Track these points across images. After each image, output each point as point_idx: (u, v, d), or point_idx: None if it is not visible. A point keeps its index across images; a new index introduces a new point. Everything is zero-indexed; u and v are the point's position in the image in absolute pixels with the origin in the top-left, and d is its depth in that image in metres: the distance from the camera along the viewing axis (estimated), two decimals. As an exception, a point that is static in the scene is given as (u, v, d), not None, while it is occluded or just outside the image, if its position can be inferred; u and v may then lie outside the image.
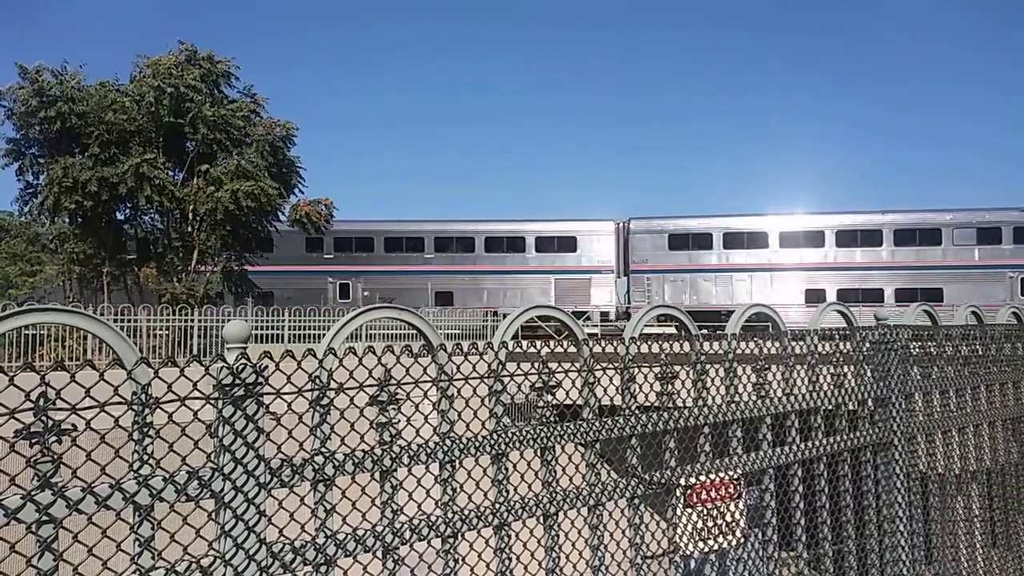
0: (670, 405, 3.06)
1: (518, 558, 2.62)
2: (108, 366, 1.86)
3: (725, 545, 3.04)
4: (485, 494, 2.56)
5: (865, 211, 33.82)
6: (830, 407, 3.63)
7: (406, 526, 2.34)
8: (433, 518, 2.40)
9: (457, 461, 2.49)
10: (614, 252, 34.11)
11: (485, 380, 2.62)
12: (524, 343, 2.75)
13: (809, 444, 3.52)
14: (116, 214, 22.78)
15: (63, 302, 20.03)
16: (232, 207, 21.50)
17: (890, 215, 32.82)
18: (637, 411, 2.94)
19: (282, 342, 19.11)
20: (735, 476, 3.09)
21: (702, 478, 3.00)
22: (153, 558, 1.90)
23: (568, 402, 2.86)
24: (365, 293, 33.78)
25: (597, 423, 2.82)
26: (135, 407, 1.91)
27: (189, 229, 22.68)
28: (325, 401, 2.25)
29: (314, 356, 2.25)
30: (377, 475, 2.34)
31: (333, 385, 2.25)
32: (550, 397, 2.79)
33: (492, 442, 2.56)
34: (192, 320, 17.78)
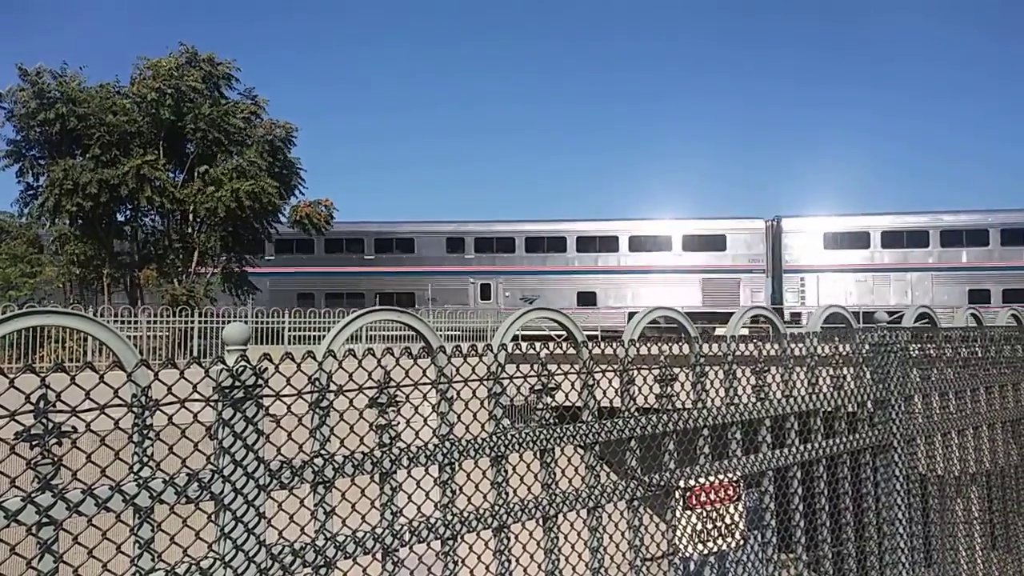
0: (669, 407, 3.06)
1: (517, 560, 2.63)
2: (108, 368, 1.86)
3: (724, 547, 3.04)
4: (484, 496, 2.56)
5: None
6: (829, 409, 3.64)
7: (405, 528, 2.34)
8: (432, 520, 2.40)
9: (456, 463, 2.49)
10: (764, 251, 33.08)
11: (484, 382, 2.62)
12: (524, 345, 2.76)
13: (808, 446, 3.52)
14: (116, 216, 22.79)
15: (63, 304, 20.06)
16: (233, 206, 21.51)
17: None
18: (636, 413, 2.95)
19: (282, 343, 19.11)
20: (734, 478, 3.10)
21: (701, 480, 3.00)
22: (153, 560, 1.91)
23: (568, 404, 2.87)
24: (506, 294, 33.37)
25: (596, 425, 2.82)
26: (135, 409, 1.91)
27: (189, 230, 22.69)
28: (324, 403, 2.25)
29: (313, 358, 2.25)
30: (376, 477, 2.34)
31: (332, 387, 2.26)
32: (549, 399, 2.79)
33: (491, 444, 2.56)
34: (192, 322, 17.78)
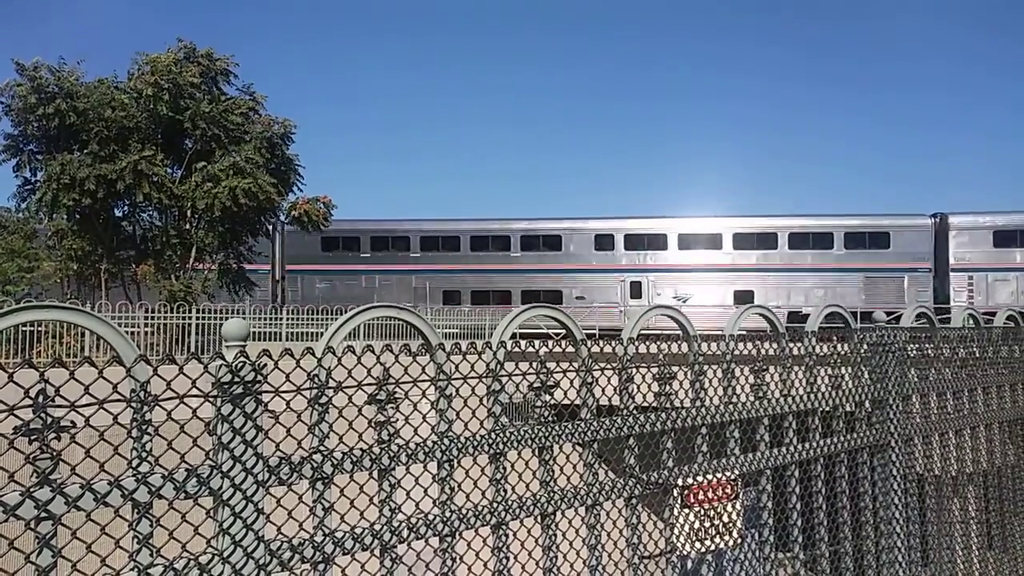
0: (668, 405, 3.07)
1: (516, 557, 2.63)
2: (107, 363, 1.86)
3: (722, 545, 3.04)
4: (483, 493, 2.57)
5: None
6: (827, 409, 3.64)
7: (404, 525, 2.34)
8: (431, 517, 2.40)
9: (455, 460, 2.50)
10: (929, 249, 31.53)
11: (484, 380, 2.62)
12: (523, 343, 2.76)
13: (806, 445, 3.52)
14: (114, 211, 22.73)
15: (61, 299, 20.02)
16: (230, 204, 21.48)
17: None
18: (635, 411, 2.95)
19: (280, 340, 19.11)
20: (732, 477, 3.10)
21: (699, 478, 3.00)
22: (151, 555, 1.91)
23: (566, 402, 2.87)
24: (658, 293, 32.03)
25: (595, 423, 2.83)
26: (134, 404, 1.91)
27: (187, 226, 22.65)
28: (323, 399, 2.25)
29: (313, 355, 2.25)
30: (375, 474, 2.34)
31: (332, 384, 2.26)
32: (548, 397, 2.79)
33: (490, 441, 2.56)
34: (190, 318, 17.77)
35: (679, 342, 3.19)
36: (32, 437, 1.76)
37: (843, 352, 3.83)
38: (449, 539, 2.45)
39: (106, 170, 20.49)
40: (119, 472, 1.86)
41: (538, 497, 2.67)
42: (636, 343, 3.01)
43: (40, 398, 1.76)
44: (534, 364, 2.76)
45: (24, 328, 14.59)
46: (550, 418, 2.76)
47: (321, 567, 2.18)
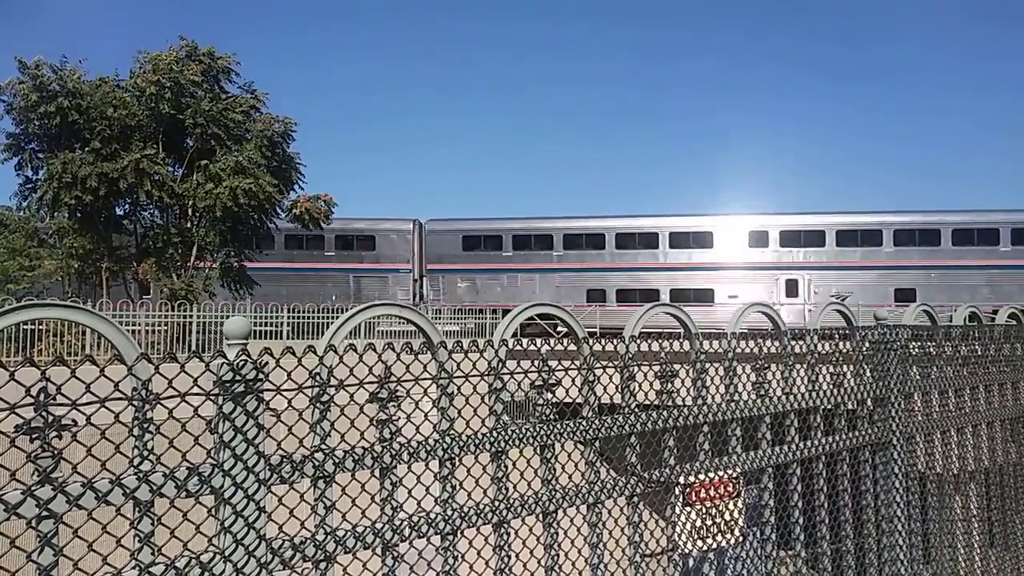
0: (670, 404, 3.06)
1: (517, 555, 2.63)
2: (108, 362, 1.86)
3: (724, 544, 3.04)
4: (485, 491, 2.56)
5: None
6: (829, 407, 3.64)
7: (406, 523, 2.34)
8: (433, 515, 2.40)
9: (457, 458, 2.49)
10: None
11: (485, 378, 2.62)
12: (524, 341, 2.75)
13: (808, 443, 3.52)
14: (115, 209, 22.74)
15: (62, 297, 20.02)
16: (230, 203, 21.48)
17: None
18: (636, 409, 2.95)
19: (282, 338, 19.12)
20: (734, 475, 3.10)
21: (701, 476, 3.00)
22: (153, 554, 1.91)
23: (568, 400, 2.87)
24: (815, 291, 31.11)
25: (597, 421, 2.82)
26: (135, 403, 1.91)
27: (188, 225, 22.65)
28: (325, 398, 2.25)
29: (314, 353, 2.25)
30: (377, 472, 2.34)
31: (333, 382, 2.25)
32: (550, 395, 2.79)
33: (492, 440, 2.56)
34: (191, 316, 17.77)
35: (681, 340, 3.19)
36: (33, 435, 1.76)
37: (845, 350, 3.83)
38: (451, 537, 2.45)
39: (108, 168, 20.49)
40: (120, 471, 1.86)
41: (540, 495, 2.67)
42: (638, 341, 3.01)
43: (41, 396, 1.76)
44: (535, 362, 2.76)
45: (25, 327, 14.60)
46: (551, 416, 2.75)
47: (323, 566, 2.18)
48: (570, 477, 2.77)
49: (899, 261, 31.26)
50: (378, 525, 2.29)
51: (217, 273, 23.33)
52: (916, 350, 4.11)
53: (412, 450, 2.38)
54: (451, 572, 2.46)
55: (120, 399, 1.83)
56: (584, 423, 2.81)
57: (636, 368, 3.00)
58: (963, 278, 30.38)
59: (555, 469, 2.74)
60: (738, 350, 3.34)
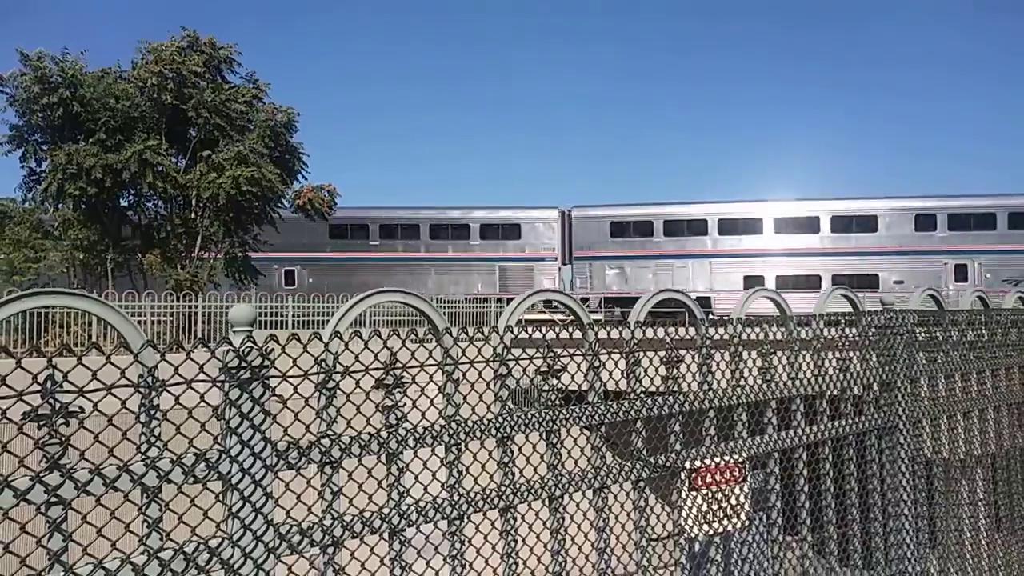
0: (675, 389, 3.06)
1: (524, 540, 2.64)
2: (114, 349, 1.86)
3: (730, 528, 3.04)
4: (491, 477, 2.57)
5: None
6: (835, 392, 3.63)
7: (412, 508, 2.35)
8: (439, 500, 2.41)
9: (463, 444, 2.50)
10: None
11: (491, 364, 2.62)
12: (529, 329, 2.75)
13: (814, 428, 3.52)
14: (120, 200, 22.77)
15: (67, 288, 20.04)
16: (234, 192, 21.50)
17: None
18: (643, 395, 2.94)
19: (286, 328, 19.15)
20: (740, 459, 3.10)
21: (707, 461, 3.00)
22: (161, 539, 1.91)
23: (574, 388, 2.87)
24: (987, 275, 29.59)
25: (602, 406, 2.82)
26: (142, 390, 1.91)
27: (192, 215, 22.68)
28: (331, 384, 2.25)
29: (320, 340, 2.25)
30: (383, 458, 2.35)
31: (339, 368, 2.25)
32: (555, 381, 2.79)
33: (498, 425, 2.56)
34: (196, 306, 17.82)
35: (686, 325, 3.18)
36: (41, 423, 1.77)
37: (851, 336, 3.82)
38: (458, 522, 2.45)
39: (111, 159, 20.51)
40: (128, 457, 1.86)
41: (546, 480, 2.67)
42: (643, 326, 3.00)
43: (48, 384, 1.76)
44: (541, 348, 2.76)
45: (31, 318, 14.67)
46: (557, 402, 2.75)
47: (330, 550, 2.19)
48: (576, 462, 2.77)
49: None
50: (385, 510, 2.30)
51: (222, 263, 23.36)
52: (922, 335, 4.10)
53: (418, 436, 2.38)
54: (458, 557, 2.47)
55: (127, 386, 1.83)
56: (590, 408, 2.80)
57: (642, 354, 2.99)
58: None
59: (561, 454, 2.75)
60: (744, 337, 3.33)
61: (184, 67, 21.62)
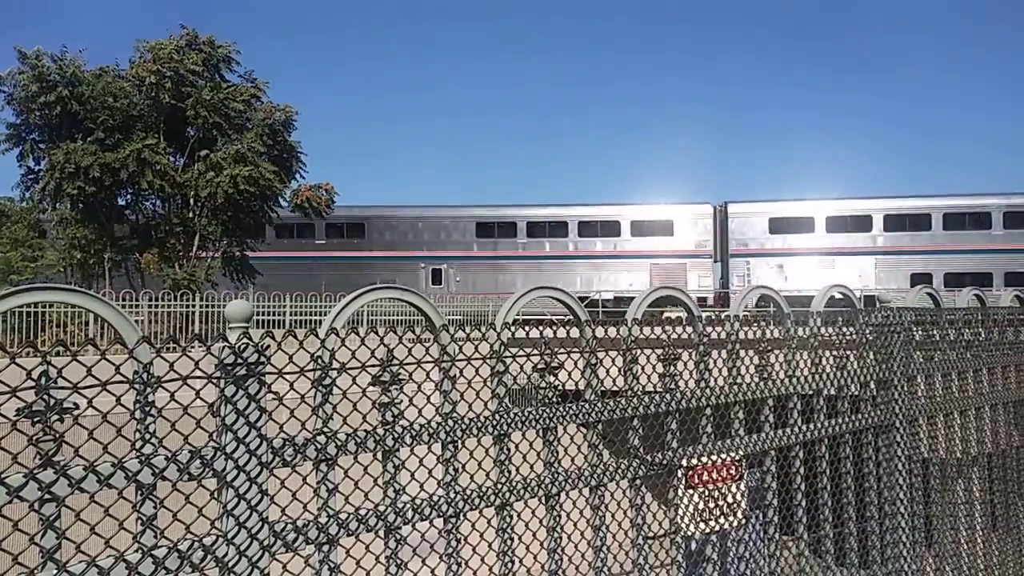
0: (672, 387, 3.06)
1: (520, 538, 2.63)
2: (109, 345, 1.85)
3: (726, 526, 3.04)
4: (487, 474, 2.56)
5: None
6: (832, 391, 3.63)
7: (408, 506, 2.34)
8: (435, 498, 2.40)
9: (459, 441, 2.49)
10: None
11: (488, 361, 2.61)
12: (526, 327, 2.75)
13: (811, 426, 3.52)
14: (117, 199, 22.73)
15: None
16: (232, 191, 21.47)
17: None
18: (639, 393, 2.94)
19: (283, 327, 19.14)
20: (737, 457, 3.09)
21: (704, 459, 3.00)
22: (156, 536, 1.91)
23: (571, 386, 2.86)
24: None
25: (599, 404, 2.82)
26: (137, 386, 1.91)
27: (190, 214, 22.65)
28: (327, 381, 2.25)
29: (316, 336, 2.24)
30: (379, 455, 2.34)
31: (335, 365, 2.25)
32: (552, 378, 2.79)
33: (494, 423, 2.55)
34: (194, 305, 17.79)
35: (684, 324, 3.18)
36: (35, 419, 1.76)
37: (848, 334, 3.82)
38: (453, 520, 2.45)
39: (109, 158, 20.48)
40: (122, 454, 1.86)
41: (542, 478, 2.67)
42: (640, 324, 3.00)
43: (43, 380, 1.76)
44: (538, 345, 2.75)
45: (29, 315, 14.63)
46: (554, 399, 2.75)
47: (325, 548, 2.18)
48: (573, 460, 2.77)
49: None
50: (381, 508, 2.29)
51: (219, 263, 23.33)
52: (919, 334, 4.10)
53: (415, 433, 2.37)
54: (454, 555, 2.46)
55: (122, 382, 1.83)
56: (587, 406, 2.80)
57: (639, 351, 2.99)
58: None
59: (558, 452, 2.74)
60: (741, 336, 3.33)
61: (182, 66, 21.58)
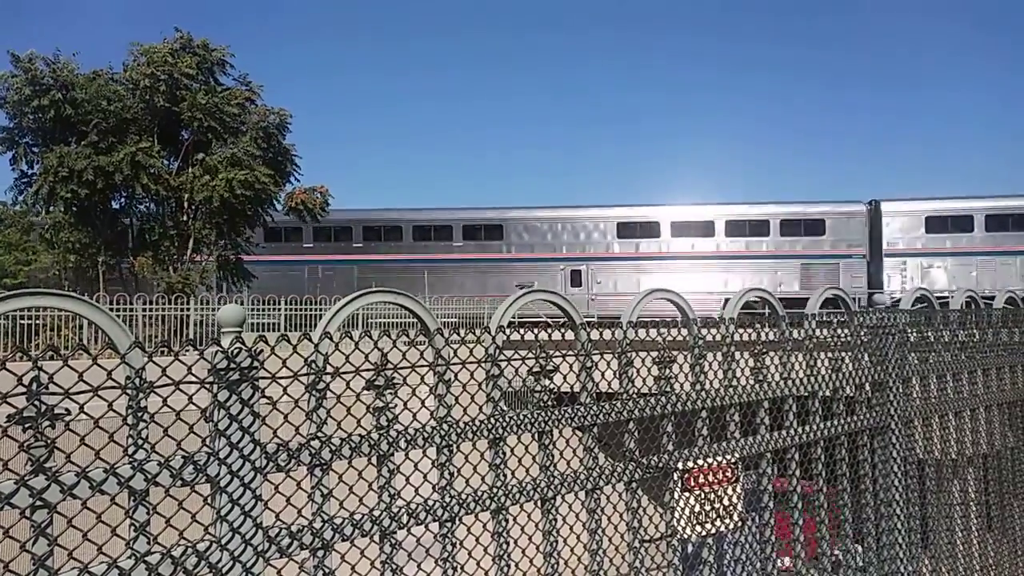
0: (668, 389, 3.05)
1: (516, 542, 2.62)
2: (100, 350, 1.84)
3: (722, 529, 3.04)
4: (483, 478, 2.55)
5: None
6: (827, 393, 3.63)
7: (403, 510, 2.33)
8: (430, 502, 2.39)
9: (455, 445, 2.48)
10: None
11: (483, 365, 2.61)
12: (521, 330, 2.74)
13: (807, 428, 3.52)
14: (111, 203, 22.66)
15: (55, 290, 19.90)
16: (227, 195, 21.43)
17: None
18: (635, 396, 2.94)
19: (277, 331, 19.09)
20: (733, 460, 3.09)
21: (700, 462, 2.99)
22: (149, 543, 1.89)
23: (566, 389, 2.86)
24: None
25: (595, 407, 2.81)
26: (129, 391, 1.89)
27: (184, 218, 22.59)
28: (321, 385, 2.24)
29: (310, 340, 2.23)
30: (374, 460, 2.33)
31: (329, 369, 2.24)
32: (548, 382, 2.78)
33: (489, 426, 2.55)
34: (188, 309, 17.75)
35: (679, 326, 3.18)
36: (26, 425, 1.74)
37: (844, 336, 3.82)
38: (449, 524, 2.44)
39: (103, 162, 20.42)
40: (115, 460, 1.84)
41: (538, 482, 2.66)
42: (636, 327, 3.00)
43: (34, 386, 1.74)
44: (533, 349, 2.75)
45: (22, 321, 14.57)
46: (550, 403, 2.74)
47: (320, 553, 2.17)
48: (568, 463, 2.76)
49: None
50: (375, 513, 2.28)
51: (214, 266, 23.27)
52: (914, 336, 4.11)
53: (409, 437, 2.36)
54: (449, 559, 2.45)
55: (114, 387, 1.81)
56: (582, 409, 2.80)
57: (634, 354, 2.98)
58: None
59: (553, 455, 2.73)
60: (736, 338, 3.33)
61: (177, 69, 21.54)
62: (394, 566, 2.33)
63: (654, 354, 3.04)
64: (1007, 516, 4.82)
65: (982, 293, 3.64)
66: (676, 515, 2.93)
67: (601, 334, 2.99)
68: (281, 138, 23.79)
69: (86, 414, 1.76)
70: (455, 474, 2.48)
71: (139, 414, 1.92)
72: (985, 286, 26.50)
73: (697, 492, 2.95)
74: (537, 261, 31.55)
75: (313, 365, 2.21)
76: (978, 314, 4.79)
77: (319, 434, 2.20)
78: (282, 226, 28.73)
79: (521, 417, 2.63)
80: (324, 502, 2.21)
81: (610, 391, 2.94)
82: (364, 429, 2.30)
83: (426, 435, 2.40)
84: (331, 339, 2.26)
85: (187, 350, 2.04)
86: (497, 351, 2.63)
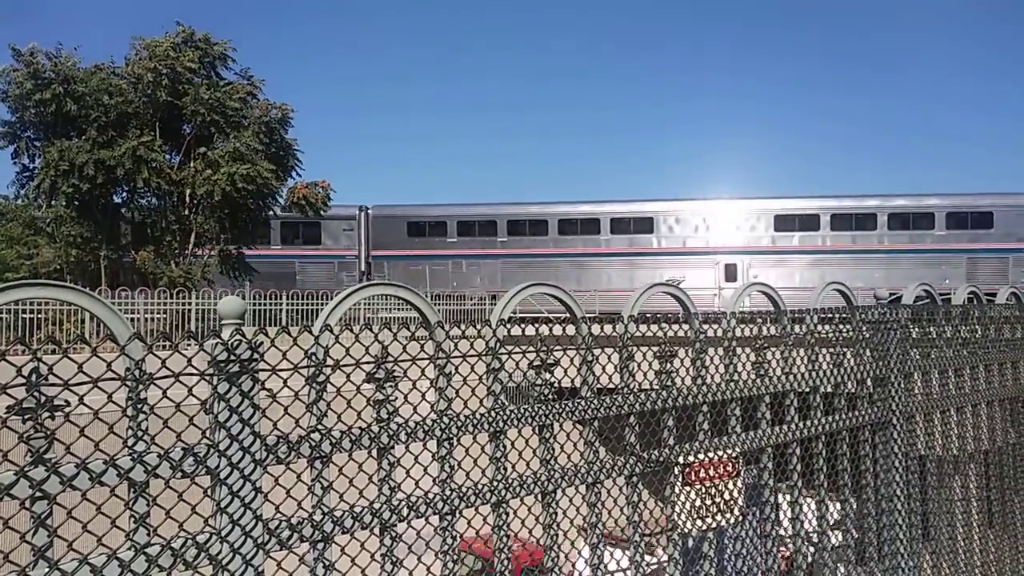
0: (669, 384, 3.05)
1: (516, 535, 2.62)
2: (100, 342, 1.84)
3: (723, 523, 3.04)
4: (483, 472, 2.55)
5: None
6: (829, 388, 3.63)
7: (404, 503, 2.33)
8: (431, 495, 2.39)
9: (455, 438, 2.48)
10: None
11: (483, 358, 2.60)
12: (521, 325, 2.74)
13: (808, 423, 3.51)
14: (113, 197, 22.66)
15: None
16: (229, 189, 21.42)
17: None
18: (636, 390, 2.93)
19: (278, 323, 19.11)
20: (733, 455, 3.09)
21: (700, 456, 2.99)
22: (149, 534, 1.89)
23: (567, 384, 2.85)
24: None
25: (596, 401, 2.81)
26: (129, 383, 1.89)
27: (186, 212, 22.59)
28: (321, 378, 2.23)
29: (310, 332, 2.23)
30: (374, 452, 2.33)
31: (329, 362, 2.24)
32: (548, 375, 2.78)
33: (490, 420, 2.54)
34: (189, 303, 17.76)
35: (680, 321, 3.17)
36: (25, 416, 1.74)
37: (845, 331, 3.81)
38: (449, 517, 2.44)
39: (105, 156, 20.41)
40: (115, 452, 1.84)
41: (538, 475, 2.66)
42: (637, 321, 2.99)
43: (33, 377, 1.74)
44: (534, 342, 2.74)
45: (24, 315, 14.59)
46: (550, 396, 2.74)
47: (320, 546, 2.17)
48: (569, 457, 2.76)
49: None
50: (376, 505, 2.28)
51: (216, 260, 23.27)
52: (916, 331, 4.10)
53: (410, 430, 2.36)
54: (450, 552, 2.45)
55: (113, 379, 1.81)
56: (583, 403, 2.79)
57: (635, 348, 2.98)
58: None
59: (554, 449, 2.73)
60: (737, 333, 3.32)
61: (179, 63, 21.51)
62: (394, 559, 2.33)
63: (655, 348, 3.04)
64: (1008, 512, 4.81)
65: None
66: (677, 509, 2.92)
67: (602, 328, 2.98)
68: (283, 133, 23.77)
69: (86, 406, 1.75)
70: (455, 467, 2.48)
71: (139, 406, 1.92)
72: None
73: (698, 486, 2.95)
74: (689, 255, 30.41)
75: (313, 358, 2.21)
76: (980, 310, 4.78)
77: (319, 427, 2.20)
78: (426, 220, 28.38)
79: (522, 410, 2.62)
80: (324, 495, 2.21)
81: (611, 385, 2.94)
82: (364, 422, 2.29)
83: (426, 428, 2.40)
84: (331, 331, 2.25)
85: (188, 343, 2.03)
86: (498, 344, 2.63)
